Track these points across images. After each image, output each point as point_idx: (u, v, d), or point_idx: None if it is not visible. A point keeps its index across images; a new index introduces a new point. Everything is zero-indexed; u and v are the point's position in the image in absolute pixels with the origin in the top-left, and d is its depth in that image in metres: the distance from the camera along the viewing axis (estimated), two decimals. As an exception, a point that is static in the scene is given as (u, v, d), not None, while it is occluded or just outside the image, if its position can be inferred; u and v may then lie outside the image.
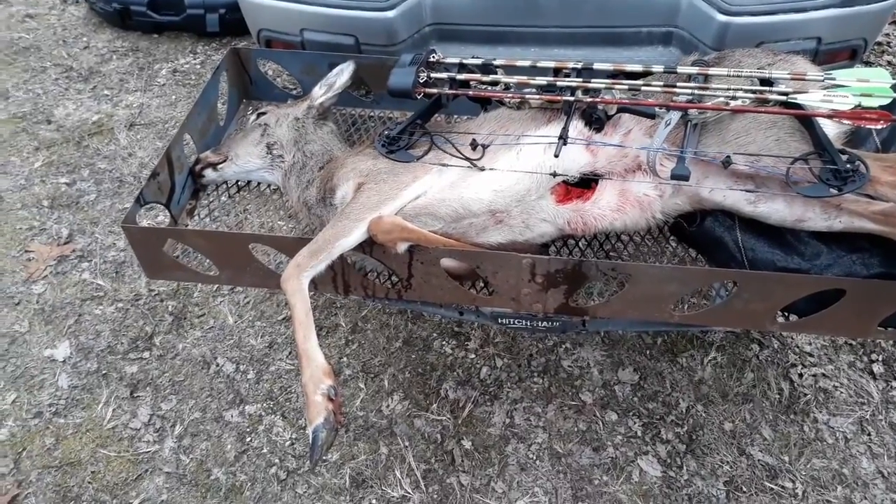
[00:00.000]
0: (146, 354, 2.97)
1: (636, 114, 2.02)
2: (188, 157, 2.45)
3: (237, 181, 2.59)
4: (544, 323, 2.25)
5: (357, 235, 1.97)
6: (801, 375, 2.77)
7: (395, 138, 2.15)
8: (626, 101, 1.96)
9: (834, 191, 1.74)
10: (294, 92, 2.93)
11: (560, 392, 2.76)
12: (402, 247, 1.97)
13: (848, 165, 1.73)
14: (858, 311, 1.92)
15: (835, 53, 2.87)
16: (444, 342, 2.95)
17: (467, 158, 2.03)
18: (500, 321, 2.32)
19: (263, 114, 2.55)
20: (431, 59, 2.17)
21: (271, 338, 3.00)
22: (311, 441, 1.67)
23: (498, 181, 2.02)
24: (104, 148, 4.06)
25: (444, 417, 2.67)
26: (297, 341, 1.84)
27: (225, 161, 2.47)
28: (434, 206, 2.02)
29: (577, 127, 2.05)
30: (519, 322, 2.29)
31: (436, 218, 2.04)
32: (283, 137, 2.45)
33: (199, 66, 4.72)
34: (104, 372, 2.90)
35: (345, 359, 2.90)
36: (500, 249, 2.12)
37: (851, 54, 2.93)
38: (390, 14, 2.89)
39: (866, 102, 1.73)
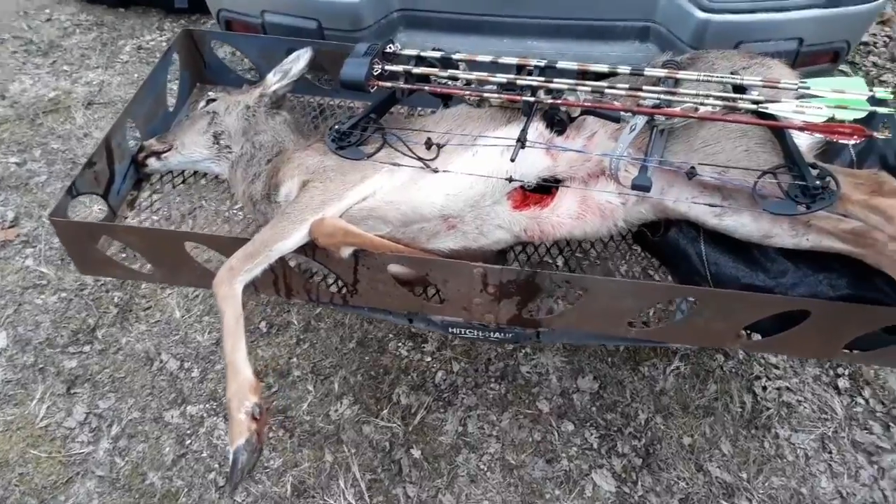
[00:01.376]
0: (87, 348, 2.83)
1: (600, 117, 1.90)
2: (133, 144, 2.31)
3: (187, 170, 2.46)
4: (497, 334, 2.14)
5: (297, 238, 1.84)
6: (765, 388, 2.69)
7: (346, 133, 2.01)
8: (589, 103, 1.83)
9: (801, 208, 1.64)
10: (251, 76, 2.78)
11: (517, 399, 2.66)
12: (345, 251, 1.85)
13: (818, 182, 1.63)
14: (823, 333, 1.84)
15: (816, 55, 2.77)
16: (399, 344, 2.84)
17: (420, 159, 1.91)
18: (450, 330, 2.21)
19: (213, 100, 2.41)
20: (388, 50, 2.04)
21: (219, 334, 2.86)
22: (230, 462, 1.55)
23: (451, 184, 1.90)
24: (59, 127, 3.88)
25: (394, 424, 2.56)
26: (225, 351, 1.72)
27: (170, 150, 2.32)
28: (382, 208, 1.90)
29: (537, 129, 1.93)
30: (470, 332, 2.18)
31: (384, 221, 1.92)
32: (231, 127, 2.31)
33: (164, 44, 4.53)
34: (41, 366, 2.76)
35: (294, 359, 2.78)
36: (452, 256, 2.01)
37: (834, 56, 2.83)
38: (355, -2, 2.74)
39: (841, 115, 1.62)
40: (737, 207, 1.84)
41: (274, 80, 2.37)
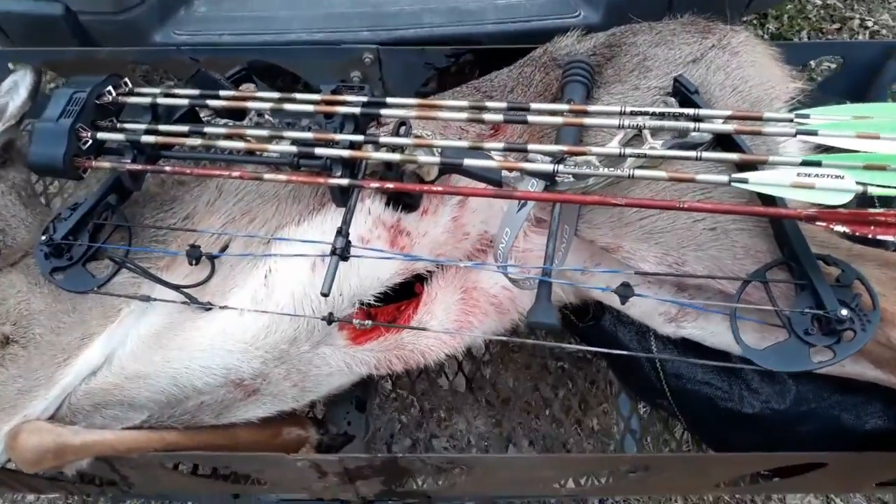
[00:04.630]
0: None
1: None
2: None
3: None
4: (364, 509, 1.45)
5: (-16, 462, 1.10)
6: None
7: (65, 245, 1.21)
8: (440, 187, 1.06)
9: (821, 356, 0.94)
10: None
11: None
12: (75, 466, 1.12)
13: (843, 312, 0.92)
14: (848, 475, 1.20)
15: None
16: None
17: (178, 288, 1.14)
18: (292, 510, 1.51)
19: None
20: (104, 100, 1.20)
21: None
22: None
23: (233, 331, 1.14)
24: None
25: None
26: None
27: None
28: (126, 388, 1.14)
29: (371, 211, 1.17)
30: (323, 510, 1.48)
31: (133, 407, 1.16)
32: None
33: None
34: None
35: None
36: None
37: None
38: (109, -37, 1.82)
39: (877, 187, 0.89)
40: (701, 309, 1.14)
41: (-19, 126, 1.51)
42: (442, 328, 1.25)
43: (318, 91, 1.15)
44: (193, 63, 1.60)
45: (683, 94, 1.14)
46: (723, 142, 1.06)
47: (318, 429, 1.35)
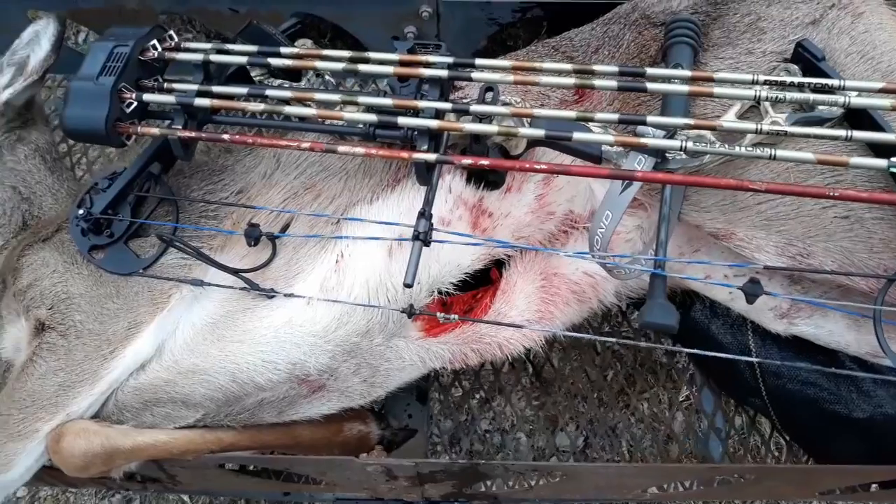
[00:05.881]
0: None
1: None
2: None
3: None
4: (425, 511, 1.35)
5: (26, 464, 1.00)
6: None
7: (105, 220, 1.08)
8: (545, 164, 0.93)
9: None
10: None
11: None
12: (121, 470, 1.02)
13: None
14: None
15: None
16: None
17: (236, 272, 1.01)
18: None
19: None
20: (149, 56, 1.05)
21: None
22: None
23: (302, 322, 1.02)
24: None
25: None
26: None
27: None
28: (179, 383, 1.02)
29: (451, 189, 1.05)
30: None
31: (187, 405, 1.05)
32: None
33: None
34: None
35: None
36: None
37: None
38: None
39: None
40: (819, 304, 1.03)
41: (2, 83, 1.36)
42: (523, 320, 1.13)
43: (363, 49, 1.02)
44: (233, 14, 1.45)
45: (807, 61, 1.00)
46: (852, 119, 0.94)
47: (380, 423, 1.24)
